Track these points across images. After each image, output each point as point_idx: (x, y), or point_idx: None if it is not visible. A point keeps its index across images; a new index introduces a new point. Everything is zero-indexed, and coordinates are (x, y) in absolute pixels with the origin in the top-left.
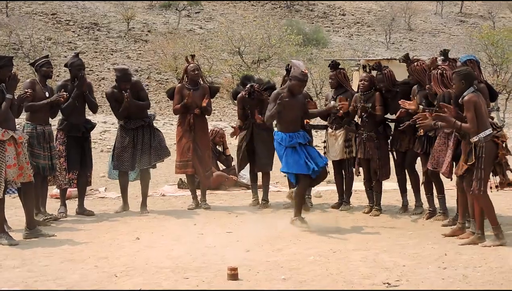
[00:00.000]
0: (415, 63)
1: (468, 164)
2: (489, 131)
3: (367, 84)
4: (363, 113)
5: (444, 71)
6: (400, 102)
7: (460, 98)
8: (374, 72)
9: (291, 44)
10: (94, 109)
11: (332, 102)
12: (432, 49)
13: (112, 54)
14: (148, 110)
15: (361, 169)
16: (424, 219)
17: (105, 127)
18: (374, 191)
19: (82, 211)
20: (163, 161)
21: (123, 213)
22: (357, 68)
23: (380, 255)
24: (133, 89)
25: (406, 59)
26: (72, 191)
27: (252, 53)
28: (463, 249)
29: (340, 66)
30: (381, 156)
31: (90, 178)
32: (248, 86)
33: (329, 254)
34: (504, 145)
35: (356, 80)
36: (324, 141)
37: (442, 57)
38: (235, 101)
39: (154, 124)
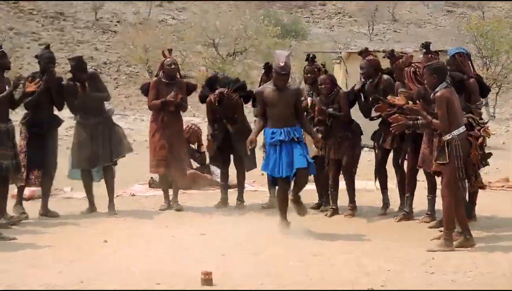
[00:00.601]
0: (400, 60)
1: (439, 162)
2: (462, 129)
3: (329, 86)
4: (326, 118)
5: (417, 69)
6: (388, 98)
7: (432, 94)
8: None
9: (269, 36)
10: (60, 106)
11: (309, 99)
12: (418, 40)
13: (78, 46)
14: (107, 103)
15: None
16: (396, 221)
17: (71, 123)
18: (347, 187)
19: (45, 212)
20: (124, 156)
21: (90, 214)
22: (338, 61)
23: (363, 259)
24: (90, 81)
25: (391, 55)
26: (36, 190)
27: (227, 45)
28: (452, 253)
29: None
30: (355, 154)
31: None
32: (217, 93)
33: (309, 258)
34: (478, 144)
35: (337, 74)
36: None
37: (424, 50)
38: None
39: (116, 120)
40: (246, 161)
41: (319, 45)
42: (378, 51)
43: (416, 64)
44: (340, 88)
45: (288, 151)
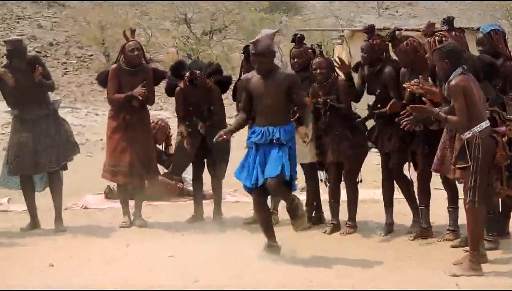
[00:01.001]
0: (404, 42)
1: (458, 166)
2: (485, 124)
3: (326, 72)
4: (322, 110)
5: (442, 38)
6: (407, 84)
7: (446, 83)
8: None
9: (254, 10)
10: None
11: None
12: (438, 16)
13: (18, 23)
14: (52, 93)
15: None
16: (410, 239)
17: (8, 119)
18: (348, 201)
19: None
20: (72, 159)
21: (31, 231)
22: (339, 41)
23: (370, 285)
24: (30, 66)
25: (392, 37)
26: None
27: (202, 21)
28: (480, 279)
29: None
30: (358, 156)
31: None
32: (187, 74)
33: (303, 285)
34: (505, 143)
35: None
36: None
37: (446, 26)
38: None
39: (64, 114)
40: (224, 165)
41: (316, 21)
42: (388, 29)
43: (442, 33)
44: (339, 75)
45: (264, 155)
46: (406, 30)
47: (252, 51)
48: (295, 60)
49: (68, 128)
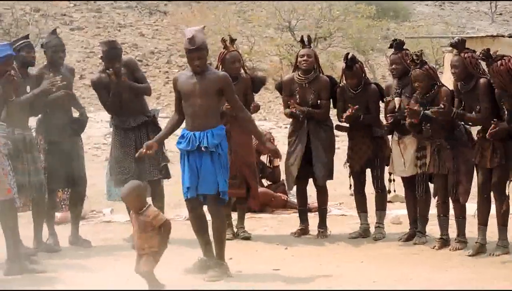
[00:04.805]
0: (499, 62)
1: None
2: None
3: (425, 84)
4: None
5: None
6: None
7: None
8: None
9: (360, 17)
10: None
11: (396, 100)
12: None
13: (119, 31)
14: (154, 103)
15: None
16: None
17: (109, 129)
18: (455, 216)
19: (75, 240)
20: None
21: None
22: (450, 48)
23: None
24: (125, 70)
25: (487, 56)
26: (68, 213)
27: (307, 28)
28: None
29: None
30: (459, 168)
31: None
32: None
33: None
34: None
35: (447, 65)
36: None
37: None
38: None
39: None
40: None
41: (426, 28)
42: (503, 36)
43: None
44: (443, 85)
45: (194, 164)
46: None
47: (192, 47)
48: (393, 66)
49: None
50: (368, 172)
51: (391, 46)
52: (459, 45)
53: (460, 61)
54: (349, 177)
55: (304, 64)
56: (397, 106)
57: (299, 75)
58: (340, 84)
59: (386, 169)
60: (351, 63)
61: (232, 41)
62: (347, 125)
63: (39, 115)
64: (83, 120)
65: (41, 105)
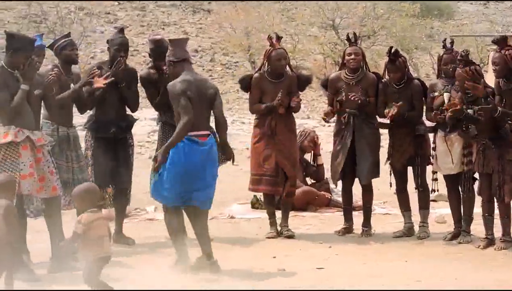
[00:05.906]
0: None
1: None
2: None
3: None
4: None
5: None
6: None
7: None
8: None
9: (404, 16)
10: (133, 106)
11: (445, 95)
12: None
13: (163, 29)
14: None
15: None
16: None
17: (154, 126)
18: (500, 216)
19: (119, 238)
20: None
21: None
22: (495, 47)
23: None
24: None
25: (499, 41)
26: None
27: (351, 27)
28: None
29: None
30: (504, 168)
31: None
32: None
33: None
34: None
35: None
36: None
37: None
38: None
39: None
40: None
41: (470, 26)
42: None
43: None
44: (487, 86)
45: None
46: None
47: (175, 59)
48: (447, 66)
49: None
50: (410, 170)
51: (444, 47)
52: (500, 42)
53: (501, 58)
54: (390, 175)
55: (352, 63)
56: (446, 101)
57: (346, 74)
58: (383, 80)
59: (428, 167)
60: (394, 56)
61: (279, 38)
62: (389, 122)
63: (90, 112)
64: (132, 118)
65: (89, 102)
